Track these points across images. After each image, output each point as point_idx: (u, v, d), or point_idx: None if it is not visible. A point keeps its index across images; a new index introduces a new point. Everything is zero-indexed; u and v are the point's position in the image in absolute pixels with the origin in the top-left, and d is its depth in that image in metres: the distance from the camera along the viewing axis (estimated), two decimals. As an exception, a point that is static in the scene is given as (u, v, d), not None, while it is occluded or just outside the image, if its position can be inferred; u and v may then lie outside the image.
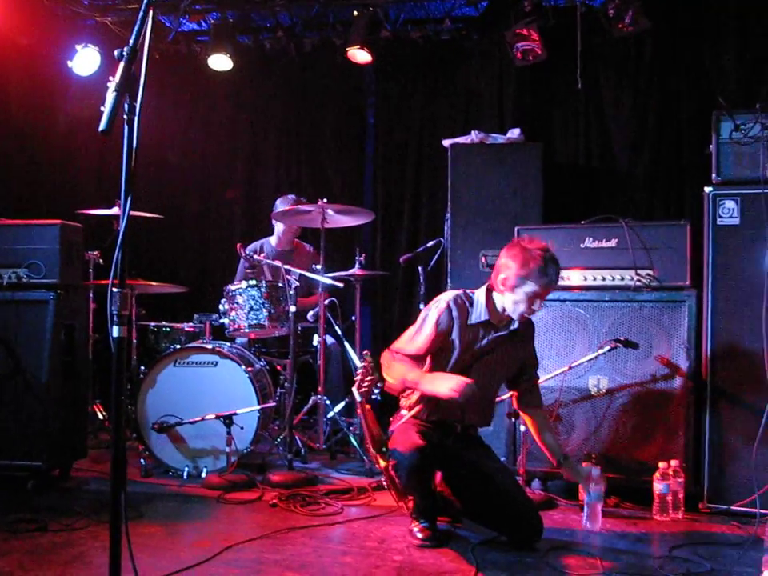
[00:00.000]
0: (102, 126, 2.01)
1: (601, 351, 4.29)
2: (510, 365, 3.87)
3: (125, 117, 2.04)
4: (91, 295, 5.69)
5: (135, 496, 4.42)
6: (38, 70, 6.77)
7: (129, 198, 2.05)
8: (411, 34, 6.73)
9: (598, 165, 6.28)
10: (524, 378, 3.93)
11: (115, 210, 5.54)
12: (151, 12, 2.11)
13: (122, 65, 2.07)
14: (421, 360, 3.74)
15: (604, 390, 4.42)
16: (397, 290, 6.73)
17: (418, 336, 3.72)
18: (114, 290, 2.10)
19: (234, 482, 4.58)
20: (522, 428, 4.34)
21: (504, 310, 3.72)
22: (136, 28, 2.08)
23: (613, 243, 4.56)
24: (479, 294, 3.77)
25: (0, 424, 4.42)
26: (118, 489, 2.15)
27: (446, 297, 3.78)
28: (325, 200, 5.21)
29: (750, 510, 3.93)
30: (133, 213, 5.01)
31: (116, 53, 2.05)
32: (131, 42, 2.10)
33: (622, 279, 4.51)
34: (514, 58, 6.01)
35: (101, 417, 6.13)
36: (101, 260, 6.04)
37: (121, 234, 2.05)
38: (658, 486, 4.04)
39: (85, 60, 6.57)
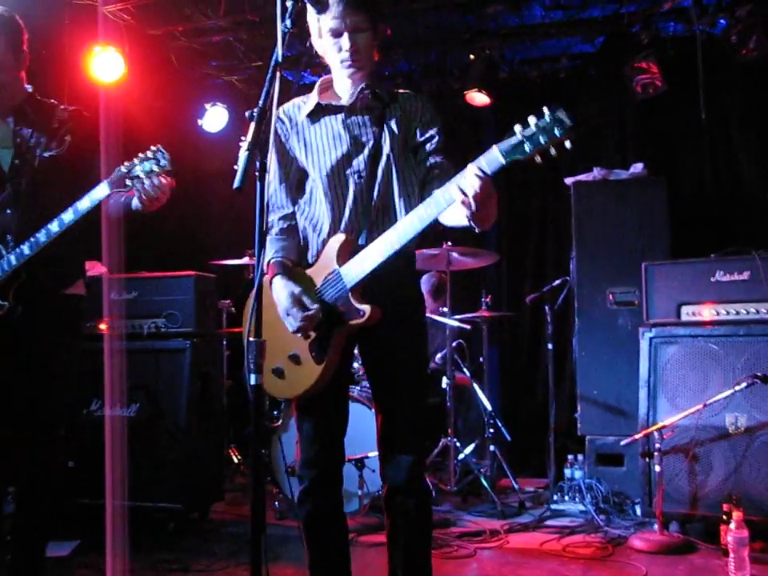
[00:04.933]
0: (236, 183, 2.13)
1: (738, 387, 4.15)
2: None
3: (256, 174, 2.15)
4: (225, 343, 5.91)
5: (271, 538, 4.51)
6: (170, 128, 7.13)
7: (263, 251, 2.15)
8: (528, 73, 6.77)
9: (728, 195, 6.11)
10: None
11: (246, 260, 5.76)
12: (279, 73, 2.24)
13: (252, 125, 2.19)
14: None
15: (743, 428, 4.26)
16: (524, 330, 6.70)
17: None
18: (251, 339, 2.19)
19: (367, 525, 4.64)
20: (657, 468, 4.23)
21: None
22: (265, 89, 2.21)
23: (745, 276, 4.43)
24: None
25: (142, 468, 4.62)
26: (258, 531, 2.22)
27: None
28: (449, 243, 5.27)
29: None
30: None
31: (247, 114, 2.17)
32: (261, 102, 2.22)
33: (757, 312, 4.37)
34: (634, 92, 5.95)
35: (236, 461, 6.32)
36: (233, 308, 6.27)
37: (255, 284, 2.15)
38: (806, 529, 3.86)
39: (213, 117, 6.93)
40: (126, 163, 3.11)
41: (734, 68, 5.83)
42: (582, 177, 5.83)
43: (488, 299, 5.54)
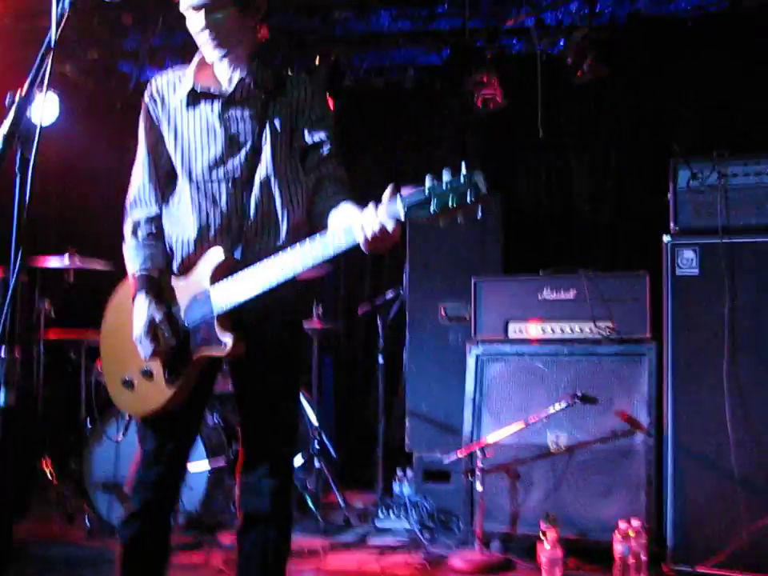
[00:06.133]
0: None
1: (558, 406, 4.16)
2: None
3: (17, 169, 1.90)
4: (42, 349, 5.51)
5: (79, 560, 4.25)
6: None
7: (19, 250, 1.88)
8: (374, 82, 6.69)
9: (560, 214, 6.19)
10: None
11: (66, 260, 5.30)
12: (50, 59, 1.97)
13: (11, 112, 1.92)
14: None
15: (563, 447, 4.28)
16: (358, 342, 6.60)
17: None
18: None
19: (182, 544, 4.39)
20: (479, 486, 4.18)
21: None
22: (31, 75, 1.94)
23: (571, 294, 4.46)
24: None
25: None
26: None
27: None
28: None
29: (717, 572, 3.78)
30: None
31: (7, 100, 1.90)
32: (25, 88, 1.95)
33: (581, 331, 4.41)
34: (475, 107, 5.95)
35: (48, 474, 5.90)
36: (52, 312, 5.85)
37: (10, 289, 1.88)
38: (618, 548, 3.86)
39: (45, 107, 6.49)
40: None
41: (571, 89, 5.92)
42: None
43: (319, 309, 5.39)
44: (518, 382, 4.43)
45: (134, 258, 2.63)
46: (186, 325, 2.51)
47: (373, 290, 6.53)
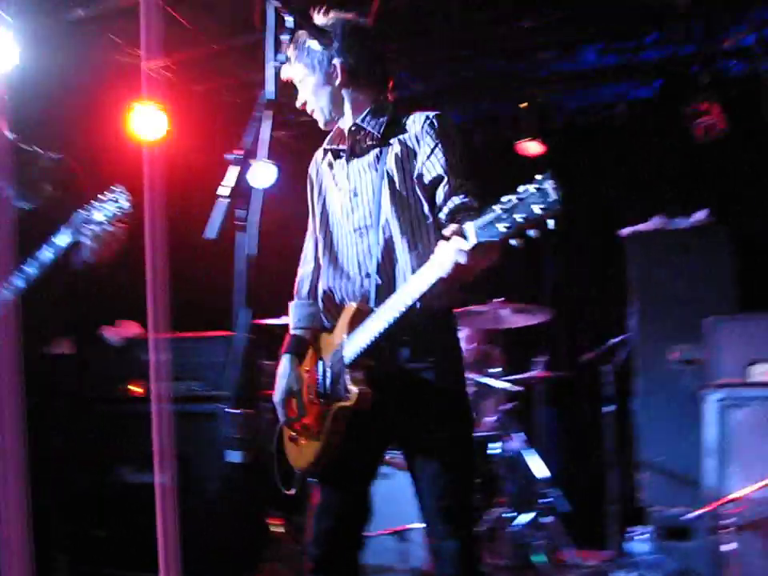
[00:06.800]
0: (208, 233, 1.91)
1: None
2: None
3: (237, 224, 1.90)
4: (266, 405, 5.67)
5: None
6: (215, 185, 6.98)
7: (246, 313, 1.88)
8: (583, 121, 6.51)
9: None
10: None
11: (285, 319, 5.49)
12: (269, 114, 1.98)
13: (232, 169, 1.95)
14: None
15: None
16: (582, 391, 6.31)
17: None
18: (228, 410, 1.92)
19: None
20: (729, 546, 3.81)
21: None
22: (250, 132, 1.97)
23: (822, 331, 4.03)
24: None
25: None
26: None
27: None
28: (501, 299, 4.99)
29: None
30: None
31: (227, 156, 1.93)
32: (244, 145, 1.98)
33: (837, 372, 3.96)
34: (695, 136, 5.62)
35: (274, 530, 6.01)
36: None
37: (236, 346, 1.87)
38: None
39: (260, 173, 6.76)
40: (85, 207, 2.93)
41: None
42: (639, 227, 5.50)
43: (542, 359, 5.21)
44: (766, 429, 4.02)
45: (291, 315, 2.75)
46: (329, 379, 2.52)
47: (595, 336, 6.26)
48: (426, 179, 2.51)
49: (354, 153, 2.60)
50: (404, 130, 2.56)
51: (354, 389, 2.39)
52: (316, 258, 2.76)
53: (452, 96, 6.63)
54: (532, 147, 6.40)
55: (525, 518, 5.13)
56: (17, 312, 2.99)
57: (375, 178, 2.55)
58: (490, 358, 5.77)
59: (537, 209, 1.92)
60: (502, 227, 1.98)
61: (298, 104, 2.66)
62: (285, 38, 2.11)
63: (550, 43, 5.83)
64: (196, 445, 4.50)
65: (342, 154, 2.64)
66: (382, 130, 2.56)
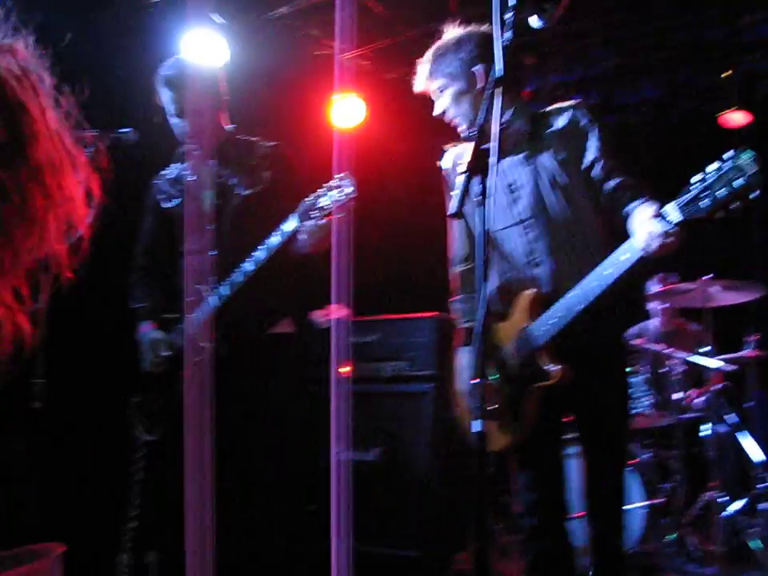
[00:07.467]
0: (451, 209, 1.96)
1: None
2: None
3: (475, 199, 1.94)
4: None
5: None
6: (412, 171, 7.09)
7: (485, 286, 1.91)
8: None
9: None
10: None
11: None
12: (500, 89, 2.02)
13: (470, 145, 2.00)
14: None
15: None
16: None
17: None
18: (472, 381, 1.96)
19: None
20: None
21: None
22: (484, 107, 2.01)
23: None
24: None
25: (381, 513, 4.52)
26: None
27: None
28: (709, 276, 4.82)
29: None
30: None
31: (464, 134, 1.97)
32: (480, 121, 2.03)
33: None
34: None
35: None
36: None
37: (479, 321, 1.91)
38: None
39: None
40: (311, 194, 3.03)
41: None
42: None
43: (754, 338, 4.98)
44: None
45: (457, 311, 2.98)
46: (515, 364, 2.66)
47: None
48: (582, 165, 2.66)
49: (503, 149, 2.66)
50: (550, 124, 2.72)
51: (555, 367, 2.53)
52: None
53: (646, 70, 6.42)
54: (736, 118, 6.12)
55: (739, 503, 4.94)
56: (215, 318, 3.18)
57: (530, 171, 2.70)
58: (696, 337, 5.58)
59: (737, 182, 2.02)
60: (704, 203, 2.10)
61: (436, 113, 2.86)
62: (508, 16, 2.12)
63: (756, 5, 5.54)
64: (405, 423, 4.61)
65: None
66: (529, 127, 2.72)
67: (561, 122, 2.71)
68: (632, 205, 2.53)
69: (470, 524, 5.14)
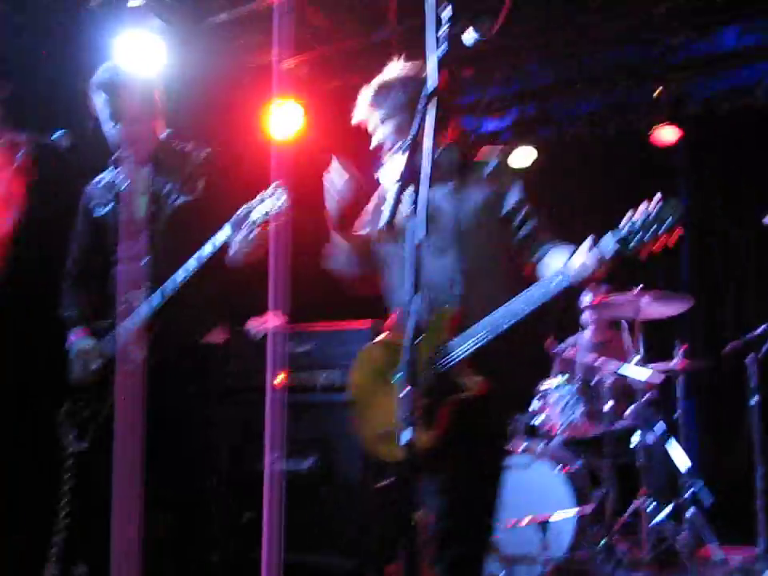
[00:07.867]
0: (382, 221, 1.98)
1: None
2: None
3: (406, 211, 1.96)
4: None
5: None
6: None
7: (417, 298, 1.93)
8: (721, 107, 6.30)
9: None
10: None
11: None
12: (434, 102, 2.05)
13: (403, 157, 2.02)
14: None
15: None
16: (724, 382, 6.13)
17: None
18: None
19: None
20: None
21: None
22: (416, 121, 2.04)
23: None
24: None
25: (315, 524, 4.51)
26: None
27: None
28: (639, 287, 4.93)
29: None
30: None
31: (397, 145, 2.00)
32: (412, 134, 2.05)
33: None
34: None
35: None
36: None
37: (409, 329, 1.92)
38: None
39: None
40: (245, 205, 3.04)
41: None
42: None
43: (682, 349, 5.09)
44: None
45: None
46: (434, 377, 2.69)
47: (735, 324, 6.09)
48: (502, 211, 2.82)
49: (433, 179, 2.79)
50: (474, 169, 2.87)
51: (474, 379, 2.63)
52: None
53: (582, 86, 6.54)
54: (667, 134, 6.25)
55: (666, 510, 5.05)
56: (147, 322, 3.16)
57: (455, 202, 2.83)
58: (626, 347, 5.70)
59: (659, 230, 2.31)
60: (630, 245, 2.36)
61: (372, 146, 2.97)
62: (445, 27, 2.15)
63: (686, 26, 5.69)
64: (338, 433, 4.62)
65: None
66: (455, 167, 2.85)
67: (483, 170, 2.87)
68: (546, 246, 2.74)
69: (399, 535, 5.21)
